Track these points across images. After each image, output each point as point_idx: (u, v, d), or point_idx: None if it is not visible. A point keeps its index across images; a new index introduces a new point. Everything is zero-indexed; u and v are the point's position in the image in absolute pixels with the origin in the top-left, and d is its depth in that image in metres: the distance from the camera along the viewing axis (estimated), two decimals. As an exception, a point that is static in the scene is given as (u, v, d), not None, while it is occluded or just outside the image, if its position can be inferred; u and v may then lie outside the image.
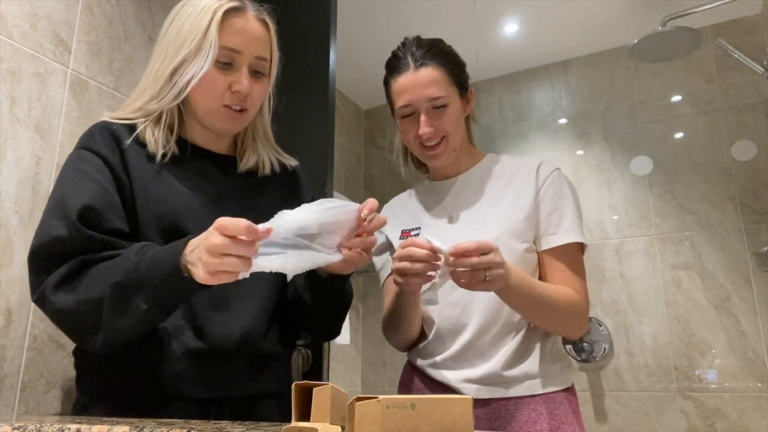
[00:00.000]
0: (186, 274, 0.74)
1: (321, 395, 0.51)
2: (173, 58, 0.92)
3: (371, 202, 0.86)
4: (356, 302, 3.11)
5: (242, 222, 0.70)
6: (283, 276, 0.99)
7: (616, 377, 2.53)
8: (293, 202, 0.88)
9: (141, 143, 0.94)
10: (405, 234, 1.20)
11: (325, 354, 1.47)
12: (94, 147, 0.90)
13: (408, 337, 1.17)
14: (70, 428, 0.55)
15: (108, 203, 0.86)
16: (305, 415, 0.53)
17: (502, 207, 1.13)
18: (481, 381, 1.06)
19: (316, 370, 1.44)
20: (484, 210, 1.15)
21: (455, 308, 1.10)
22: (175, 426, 0.55)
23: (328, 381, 1.12)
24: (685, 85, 2.66)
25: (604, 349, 2.55)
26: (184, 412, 0.85)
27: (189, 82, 0.91)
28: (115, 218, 0.86)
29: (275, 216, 0.75)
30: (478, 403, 1.06)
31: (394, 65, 1.15)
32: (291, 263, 0.75)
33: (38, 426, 0.57)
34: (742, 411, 2.27)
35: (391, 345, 1.23)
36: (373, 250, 1.28)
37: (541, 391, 1.05)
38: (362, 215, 0.84)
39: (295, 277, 0.98)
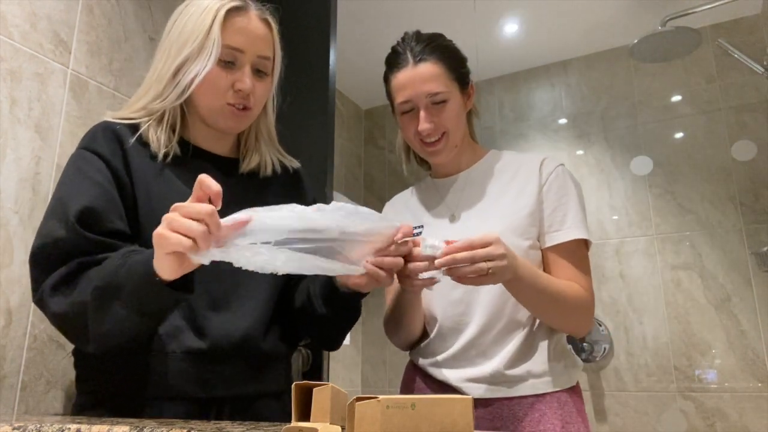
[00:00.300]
0: (159, 279, 0.71)
1: (321, 395, 0.51)
2: (176, 57, 0.92)
3: (406, 229, 0.83)
4: (356, 302, 3.11)
5: (203, 206, 0.66)
6: (284, 277, 0.99)
7: (616, 377, 2.53)
8: (295, 203, 0.87)
9: (143, 143, 0.94)
10: None
11: (325, 354, 1.47)
12: (95, 148, 0.91)
13: (410, 335, 1.16)
14: (70, 428, 0.55)
15: (108, 204, 0.86)
16: (305, 415, 0.53)
17: (504, 204, 1.12)
18: (484, 380, 1.05)
19: (316, 370, 1.44)
20: (487, 207, 1.14)
21: (458, 306, 1.09)
22: (175, 426, 0.55)
23: (328, 381, 1.12)
24: (685, 85, 2.66)
25: (604, 349, 2.55)
26: (184, 412, 0.85)
27: (192, 80, 0.91)
28: (115, 219, 0.86)
29: (252, 210, 0.69)
30: (480, 402, 1.04)
31: (393, 61, 1.13)
32: (281, 260, 0.69)
33: (38, 426, 0.57)
34: (742, 411, 2.27)
35: (393, 344, 1.22)
36: None
37: (545, 391, 1.04)
38: (396, 238, 0.82)
39: (310, 283, 0.98)
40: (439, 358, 1.11)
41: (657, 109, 2.70)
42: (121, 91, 1.40)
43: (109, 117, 0.97)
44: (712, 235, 2.48)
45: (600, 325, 2.58)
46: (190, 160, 0.97)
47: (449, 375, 1.08)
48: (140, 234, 0.88)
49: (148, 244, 0.86)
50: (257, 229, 0.68)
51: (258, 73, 0.97)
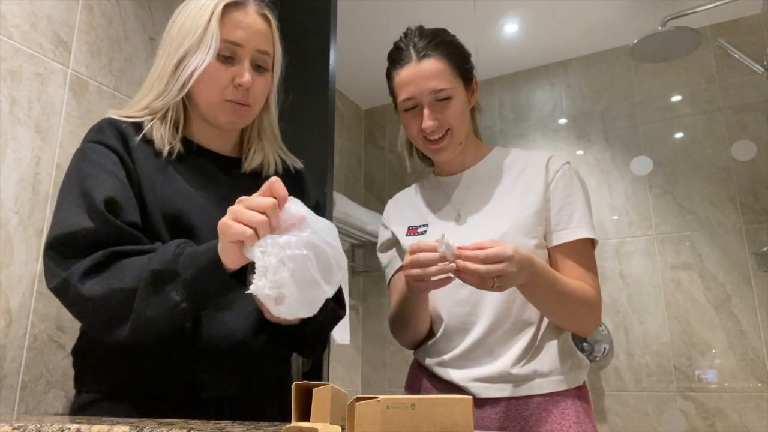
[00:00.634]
0: (223, 267, 0.75)
1: (321, 395, 0.51)
2: (176, 53, 0.93)
3: None
4: (356, 302, 3.11)
5: (266, 199, 0.72)
6: None
7: (616, 377, 2.53)
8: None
9: (147, 141, 0.94)
10: (411, 231, 1.17)
11: (325, 354, 1.46)
12: (106, 141, 0.91)
13: (416, 335, 1.15)
14: (70, 428, 0.55)
15: (126, 197, 0.86)
16: (305, 415, 0.53)
17: (510, 202, 1.11)
18: (491, 380, 1.04)
19: (316, 370, 1.43)
20: (493, 206, 1.12)
21: (464, 306, 1.08)
22: (175, 426, 0.55)
23: (328, 381, 1.12)
24: (685, 85, 2.66)
25: (604, 349, 2.55)
26: (183, 411, 0.84)
27: (192, 74, 0.91)
28: (134, 212, 0.86)
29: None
30: (487, 402, 1.04)
31: (396, 57, 1.12)
32: (294, 299, 0.71)
33: (38, 426, 0.57)
34: (742, 411, 2.27)
35: (399, 343, 1.21)
36: (378, 246, 1.28)
37: (552, 390, 1.03)
38: None
39: None
40: (446, 357, 1.10)
41: (657, 109, 2.70)
42: (121, 91, 1.40)
43: (112, 114, 0.97)
44: (712, 235, 2.48)
45: (600, 325, 2.58)
46: (192, 158, 0.98)
47: (456, 375, 1.07)
48: (150, 230, 0.88)
49: (155, 240, 0.87)
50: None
51: (257, 68, 0.97)
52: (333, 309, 0.96)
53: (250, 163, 1.03)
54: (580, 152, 2.84)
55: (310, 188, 1.14)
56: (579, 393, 1.07)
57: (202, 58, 0.91)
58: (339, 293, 0.99)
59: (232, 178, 1.01)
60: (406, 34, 1.13)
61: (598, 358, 2.55)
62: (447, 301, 1.10)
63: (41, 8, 1.23)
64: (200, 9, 0.93)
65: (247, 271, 0.77)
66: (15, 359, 1.10)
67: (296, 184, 1.10)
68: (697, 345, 2.40)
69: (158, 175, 0.92)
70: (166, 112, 0.96)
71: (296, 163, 1.12)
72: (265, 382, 0.95)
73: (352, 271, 3.07)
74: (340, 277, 0.76)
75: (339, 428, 0.48)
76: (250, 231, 0.71)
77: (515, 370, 1.03)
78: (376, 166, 3.39)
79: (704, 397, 2.34)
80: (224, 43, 0.92)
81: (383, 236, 1.26)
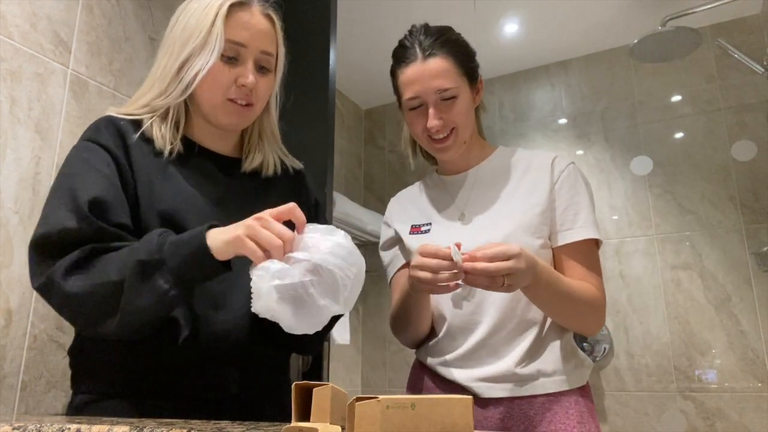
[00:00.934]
0: (211, 252, 0.77)
1: (321, 395, 0.51)
2: (180, 53, 0.93)
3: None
4: (356, 302, 3.10)
5: (288, 233, 0.75)
6: None
7: (616, 377, 2.53)
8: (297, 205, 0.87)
9: (146, 140, 0.94)
10: (415, 229, 1.17)
11: (325, 354, 1.47)
12: (100, 140, 0.90)
13: (418, 333, 1.15)
14: (70, 428, 0.55)
15: (115, 197, 0.86)
16: (305, 415, 0.53)
17: (515, 202, 1.11)
18: (495, 379, 1.04)
19: (316, 370, 1.44)
20: (498, 206, 1.12)
21: (468, 305, 1.07)
22: (175, 426, 0.55)
23: (328, 381, 1.12)
24: (685, 85, 2.66)
25: (604, 349, 2.55)
26: (179, 411, 0.84)
27: (196, 76, 0.91)
28: (121, 213, 0.86)
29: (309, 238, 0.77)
30: (491, 402, 1.03)
31: (401, 55, 1.10)
32: (290, 319, 0.75)
33: (38, 426, 0.57)
34: (742, 411, 2.27)
35: (400, 341, 1.21)
36: (380, 244, 1.27)
37: (556, 390, 1.03)
38: None
39: None
40: (449, 357, 1.09)
41: (657, 109, 2.70)
42: (121, 91, 1.40)
43: (112, 112, 0.96)
44: (712, 235, 2.48)
45: (604, 325, 2.58)
46: (192, 158, 0.97)
47: (459, 375, 1.07)
48: (141, 230, 0.88)
49: None
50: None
51: (261, 69, 0.97)
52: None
53: (250, 164, 1.03)
54: (580, 152, 2.84)
55: (311, 189, 1.14)
56: (582, 392, 1.07)
57: (206, 60, 0.90)
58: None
59: (231, 178, 1.01)
60: (411, 32, 1.12)
61: (598, 358, 2.55)
62: (450, 300, 1.10)
63: (41, 8, 1.23)
64: (205, 8, 0.93)
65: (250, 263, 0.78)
66: (15, 359, 1.10)
67: (296, 185, 1.10)
68: (697, 345, 2.40)
69: (156, 173, 0.92)
70: (167, 111, 0.95)
71: (295, 164, 1.12)
72: (265, 382, 0.95)
73: (352, 271, 3.06)
74: (350, 292, 0.78)
75: (339, 428, 0.48)
76: (261, 254, 0.74)
77: (519, 370, 1.03)
78: (376, 166, 3.39)
79: (704, 397, 2.34)
80: (228, 43, 0.92)
81: (385, 234, 1.25)
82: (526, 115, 3.03)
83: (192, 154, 0.98)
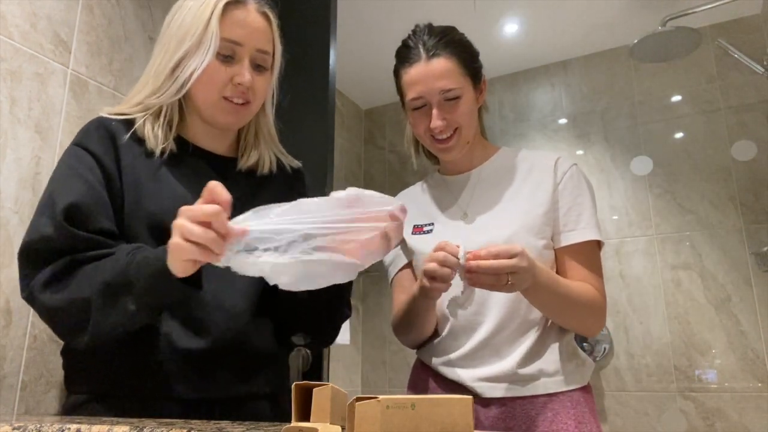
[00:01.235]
0: (173, 275, 0.73)
1: (321, 395, 0.51)
2: (175, 52, 0.92)
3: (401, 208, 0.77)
4: (356, 302, 3.11)
5: (209, 207, 0.67)
6: None
7: (616, 377, 2.53)
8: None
9: (138, 140, 0.93)
10: (417, 229, 1.17)
11: (325, 354, 1.46)
12: (87, 144, 0.90)
13: (422, 336, 1.15)
14: (69, 428, 0.55)
15: (95, 202, 0.85)
16: (305, 415, 0.53)
17: (518, 203, 1.11)
18: (497, 379, 1.04)
19: (316, 370, 1.43)
20: (500, 206, 1.12)
21: (471, 305, 1.06)
22: (175, 426, 0.55)
23: (328, 381, 1.12)
24: (685, 85, 2.66)
25: (604, 349, 2.55)
26: (173, 413, 0.83)
27: (191, 75, 0.90)
28: (102, 218, 0.85)
29: (254, 210, 0.69)
30: (493, 402, 1.04)
31: (404, 55, 1.10)
32: (287, 274, 0.68)
33: (38, 426, 0.57)
34: (742, 411, 2.27)
35: (402, 342, 1.21)
36: None
37: (557, 390, 1.03)
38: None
39: None
40: (452, 356, 1.09)
41: (657, 109, 2.70)
42: (121, 91, 1.40)
43: (104, 113, 0.96)
44: (712, 235, 2.48)
45: (604, 326, 2.58)
46: (186, 158, 0.96)
47: (463, 374, 1.07)
48: (127, 232, 0.87)
49: (133, 242, 0.85)
50: (256, 238, 0.67)
51: (257, 67, 0.96)
52: (339, 288, 0.88)
53: (246, 162, 1.02)
54: (580, 152, 2.84)
55: (309, 187, 1.13)
56: (583, 392, 1.07)
57: (202, 58, 0.90)
58: (344, 292, 0.98)
59: (226, 178, 1.00)
60: (414, 32, 1.12)
61: (598, 358, 2.55)
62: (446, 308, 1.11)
63: (41, 8, 1.23)
64: (200, 6, 0.92)
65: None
66: (15, 359, 1.10)
67: (293, 183, 1.10)
68: (697, 345, 2.41)
69: (148, 174, 0.91)
70: (160, 110, 0.94)
71: (294, 163, 1.11)
72: (257, 383, 0.94)
73: (352, 271, 3.06)
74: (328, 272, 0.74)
75: (339, 428, 0.48)
76: (202, 252, 0.68)
77: (521, 370, 1.04)
78: (376, 165, 3.39)
79: (704, 397, 2.35)
80: (224, 42, 0.91)
81: None
82: (526, 115, 3.03)
83: (185, 154, 0.97)
